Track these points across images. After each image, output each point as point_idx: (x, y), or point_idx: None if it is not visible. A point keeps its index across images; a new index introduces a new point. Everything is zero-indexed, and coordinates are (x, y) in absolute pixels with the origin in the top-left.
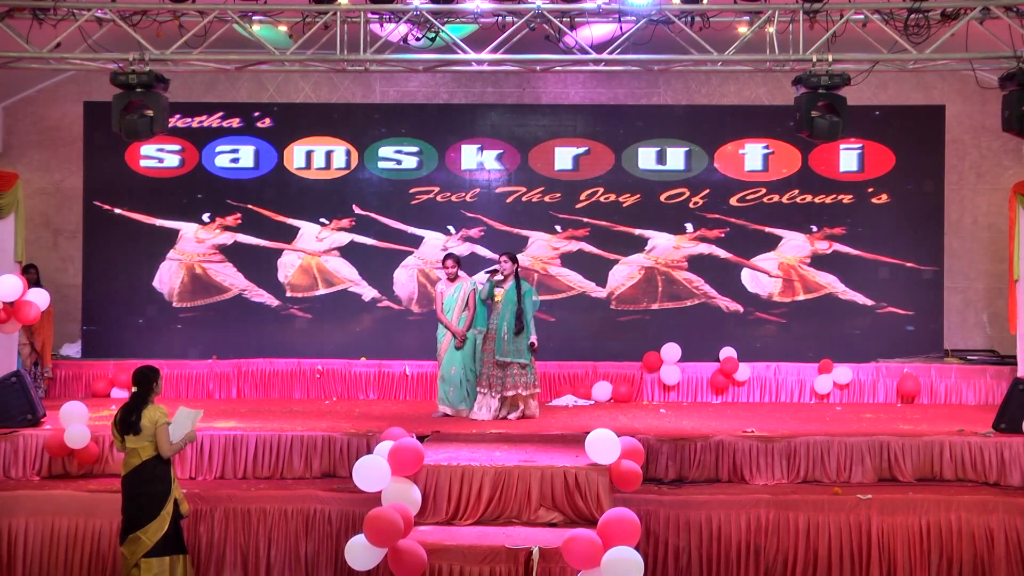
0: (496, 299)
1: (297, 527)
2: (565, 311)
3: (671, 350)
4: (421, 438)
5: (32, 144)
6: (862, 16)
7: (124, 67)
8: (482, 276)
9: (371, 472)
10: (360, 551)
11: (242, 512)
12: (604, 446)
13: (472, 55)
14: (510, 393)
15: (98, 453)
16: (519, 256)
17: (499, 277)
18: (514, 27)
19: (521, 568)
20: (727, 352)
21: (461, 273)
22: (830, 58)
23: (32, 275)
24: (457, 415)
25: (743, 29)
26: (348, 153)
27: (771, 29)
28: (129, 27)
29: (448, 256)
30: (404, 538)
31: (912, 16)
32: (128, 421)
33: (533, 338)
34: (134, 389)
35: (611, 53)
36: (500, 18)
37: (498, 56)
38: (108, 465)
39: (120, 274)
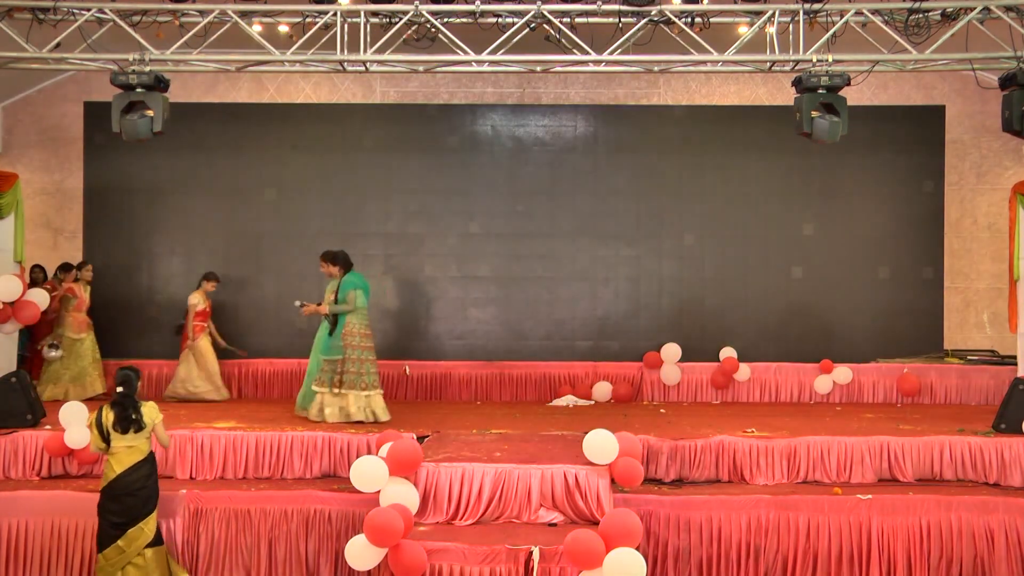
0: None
1: (297, 527)
2: (565, 310)
3: (671, 350)
4: (421, 438)
5: (32, 144)
6: (862, 16)
7: (124, 67)
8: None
9: (369, 472)
10: (360, 551)
11: (242, 512)
12: (602, 446)
13: (472, 56)
14: (344, 391)
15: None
16: None
17: (333, 282)
18: (514, 27)
19: (521, 568)
20: (727, 352)
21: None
22: (830, 58)
23: (38, 275)
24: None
25: (743, 29)
26: (348, 153)
27: (771, 29)
28: (129, 27)
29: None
30: (404, 538)
31: (912, 16)
32: (131, 419)
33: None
34: (119, 390)
35: (611, 53)
36: (500, 18)
37: (498, 56)
38: None
39: (120, 274)
